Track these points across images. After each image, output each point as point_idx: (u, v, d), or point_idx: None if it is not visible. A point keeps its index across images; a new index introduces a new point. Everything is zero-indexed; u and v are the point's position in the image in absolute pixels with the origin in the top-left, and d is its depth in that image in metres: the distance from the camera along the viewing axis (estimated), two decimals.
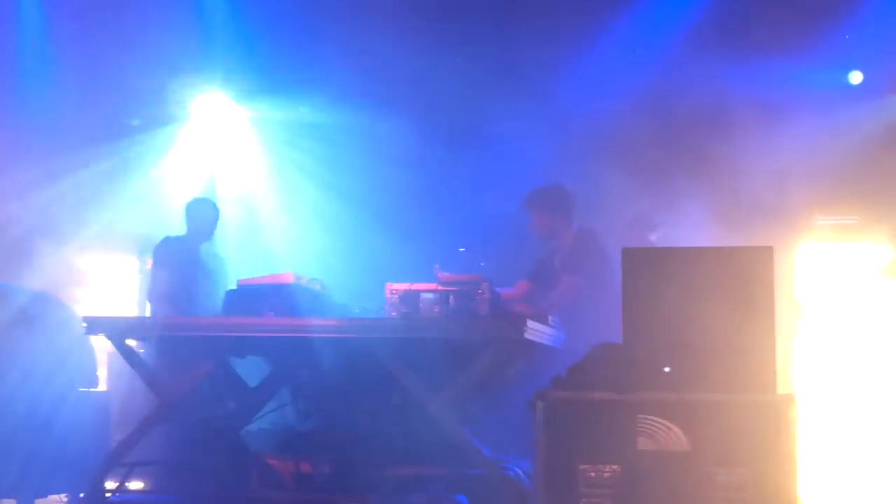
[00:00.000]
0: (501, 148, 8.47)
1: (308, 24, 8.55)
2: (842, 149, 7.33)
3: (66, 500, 6.70)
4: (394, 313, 5.78)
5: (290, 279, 6.22)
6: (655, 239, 7.27)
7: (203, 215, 7.81)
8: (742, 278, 4.88)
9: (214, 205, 7.91)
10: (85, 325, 6.15)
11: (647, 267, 5.00)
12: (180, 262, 7.67)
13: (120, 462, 5.95)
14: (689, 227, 7.20)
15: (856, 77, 7.92)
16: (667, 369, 4.81)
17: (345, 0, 8.47)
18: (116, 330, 6.10)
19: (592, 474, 4.74)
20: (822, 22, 7.64)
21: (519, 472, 5.45)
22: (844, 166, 7.33)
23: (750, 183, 7.54)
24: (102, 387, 7.19)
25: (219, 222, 7.88)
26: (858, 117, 7.52)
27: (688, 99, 8.05)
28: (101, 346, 7.01)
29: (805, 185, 7.30)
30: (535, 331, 5.61)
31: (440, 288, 5.77)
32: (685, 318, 4.87)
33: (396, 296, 5.81)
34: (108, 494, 5.85)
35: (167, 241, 7.81)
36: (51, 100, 8.73)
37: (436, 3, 8.44)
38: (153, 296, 7.86)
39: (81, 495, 5.94)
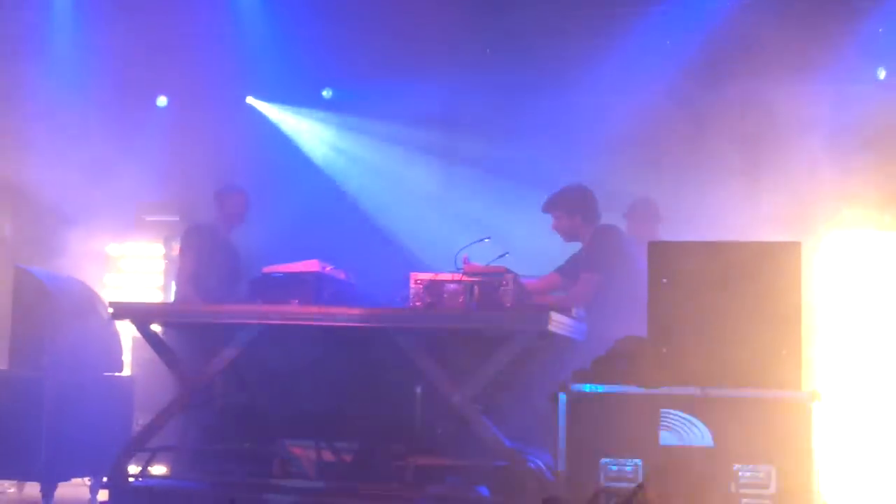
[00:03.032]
0: (528, 138, 8.45)
1: (336, 12, 8.56)
2: (869, 142, 7.27)
3: (89, 483, 6.75)
4: (418, 303, 5.77)
5: (316, 267, 6.22)
6: (661, 229, 7.23)
7: (233, 202, 7.79)
8: (769, 273, 4.85)
9: (245, 192, 7.88)
10: (111, 310, 6.18)
11: (673, 261, 4.97)
12: (208, 248, 7.67)
13: (143, 447, 5.97)
14: (713, 221, 7.17)
15: (882, 73, 7.88)
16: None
17: None
18: (142, 315, 6.12)
19: (614, 468, 4.73)
20: (851, 15, 7.58)
21: (541, 464, 5.43)
22: (871, 159, 7.28)
23: (775, 176, 7.50)
24: (127, 372, 7.23)
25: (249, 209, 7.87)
26: (885, 109, 7.46)
27: (712, 92, 8.00)
28: (127, 331, 7.05)
29: (831, 178, 7.25)
30: (559, 322, 5.58)
31: (465, 278, 5.75)
32: (711, 312, 4.85)
33: (421, 286, 5.80)
34: (130, 479, 5.87)
35: (196, 227, 7.80)
36: (80, 86, 8.78)
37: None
38: (180, 281, 7.87)
39: (104, 479, 5.97)
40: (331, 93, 9.54)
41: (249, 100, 9.63)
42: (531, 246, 7.50)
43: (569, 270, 6.93)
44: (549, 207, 6.95)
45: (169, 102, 9.64)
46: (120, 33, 8.78)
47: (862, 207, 6.98)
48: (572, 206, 6.87)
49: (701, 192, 7.67)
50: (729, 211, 7.40)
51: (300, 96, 9.52)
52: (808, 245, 5.15)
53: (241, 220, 7.81)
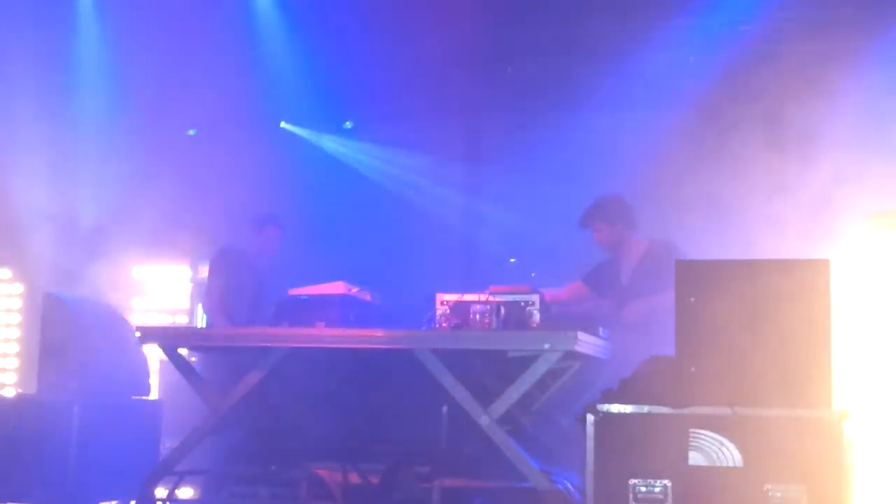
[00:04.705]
0: (551, 156, 8.44)
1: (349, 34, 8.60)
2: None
3: None
4: (444, 324, 5.75)
5: (342, 289, 6.22)
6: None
7: (269, 236, 7.81)
8: (798, 291, 4.79)
9: (280, 223, 7.88)
10: (139, 333, 6.20)
11: (702, 279, 4.93)
12: (237, 272, 7.70)
13: (170, 471, 5.97)
14: (738, 234, 7.12)
15: None
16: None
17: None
18: (169, 339, 6.13)
19: (643, 489, 4.68)
20: (874, 29, 7.56)
21: (568, 485, 5.39)
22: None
23: (801, 190, 7.46)
24: (154, 395, 7.24)
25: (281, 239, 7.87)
26: None
27: (735, 106, 7.97)
28: (154, 354, 7.06)
29: (858, 191, 7.21)
30: (587, 342, 5.55)
31: (491, 299, 5.73)
32: (740, 331, 4.80)
33: (447, 307, 5.78)
34: (158, 503, 5.87)
35: (225, 250, 7.83)
36: (109, 110, 8.85)
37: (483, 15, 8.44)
38: (208, 305, 7.90)
39: (132, 503, 5.97)
40: (351, 125, 9.60)
41: (283, 125, 9.71)
42: (557, 264, 7.49)
43: (597, 281, 6.85)
44: (587, 221, 6.87)
45: (198, 129, 9.71)
46: (149, 58, 8.85)
47: (888, 220, 6.93)
48: (612, 216, 6.81)
49: (725, 208, 7.63)
50: (754, 225, 7.35)
51: (325, 125, 9.57)
52: (834, 260, 5.09)
53: (271, 252, 7.83)
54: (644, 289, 6.58)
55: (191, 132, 9.69)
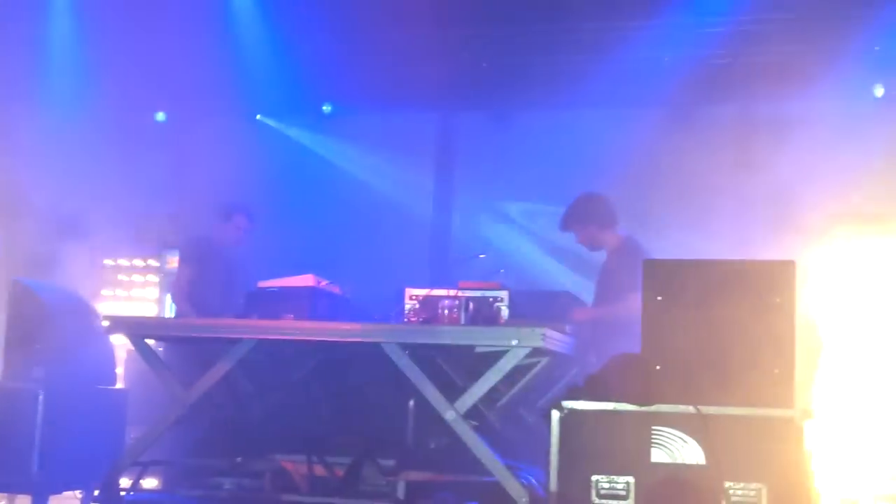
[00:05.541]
0: (520, 150, 8.46)
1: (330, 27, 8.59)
2: (864, 158, 7.31)
3: (80, 496, 6.72)
4: (413, 319, 5.76)
5: (311, 282, 6.22)
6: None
7: (235, 223, 7.80)
8: (763, 291, 4.83)
9: (247, 212, 7.86)
10: (107, 323, 6.17)
11: (668, 278, 4.96)
12: (206, 260, 7.69)
13: (135, 461, 5.95)
14: (708, 234, 7.17)
15: (879, 90, 7.91)
16: None
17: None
18: (136, 329, 6.10)
19: (606, 485, 4.71)
20: (847, 32, 7.62)
21: (532, 480, 5.42)
22: (865, 176, 7.31)
23: (771, 190, 7.52)
24: (120, 385, 7.21)
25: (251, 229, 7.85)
26: (881, 127, 7.50)
27: (708, 106, 8.02)
28: (120, 343, 7.03)
29: (825, 195, 7.27)
30: (554, 339, 5.57)
31: (460, 294, 5.74)
32: (704, 330, 4.83)
33: (416, 301, 5.79)
34: (122, 493, 5.85)
35: (194, 239, 7.82)
36: (80, 99, 8.80)
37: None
38: (177, 294, 7.88)
39: (96, 492, 5.95)
40: (330, 108, 9.58)
41: (259, 117, 9.67)
42: (529, 262, 7.51)
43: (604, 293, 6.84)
44: (564, 226, 6.94)
45: (167, 117, 9.67)
46: (120, 46, 8.80)
47: (857, 223, 7.00)
48: (583, 217, 6.87)
49: (696, 206, 7.68)
50: (723, 225, 7.40)
51: (299, 113, 9.54)
52: (802, 260, 5.14)
53: (239, 241, 7.82)
54: (605, 286, 6.64)
55: (159, 116, 9.62)
